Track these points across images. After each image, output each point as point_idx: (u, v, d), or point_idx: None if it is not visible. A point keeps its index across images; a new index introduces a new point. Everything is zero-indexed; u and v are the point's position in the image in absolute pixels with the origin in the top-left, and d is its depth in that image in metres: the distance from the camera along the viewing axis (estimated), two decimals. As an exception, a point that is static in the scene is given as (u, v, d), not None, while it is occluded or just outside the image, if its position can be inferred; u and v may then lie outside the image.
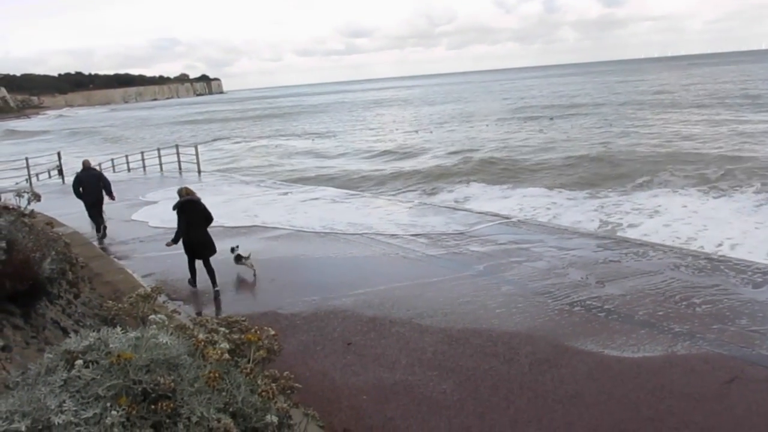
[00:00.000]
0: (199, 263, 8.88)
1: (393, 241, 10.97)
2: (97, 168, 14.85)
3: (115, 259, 10.55)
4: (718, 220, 16.63)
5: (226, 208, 15.18)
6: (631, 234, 14.64)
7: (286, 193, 17.32)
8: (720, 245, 13.99)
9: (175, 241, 8.84)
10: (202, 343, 2.38)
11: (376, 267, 9.63)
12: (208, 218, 8.93)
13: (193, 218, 8.74)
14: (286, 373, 2.52)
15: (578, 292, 7.71)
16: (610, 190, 22.26)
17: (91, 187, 12.82)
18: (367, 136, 50.88)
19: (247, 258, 9.49)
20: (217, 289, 8.77)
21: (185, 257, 8.92)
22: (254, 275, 9.38)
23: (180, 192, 8.94)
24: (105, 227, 12.94)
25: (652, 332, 6.36)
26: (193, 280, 8.98)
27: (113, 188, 13.18)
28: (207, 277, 8.76)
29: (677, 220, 16.93)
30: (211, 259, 8.89)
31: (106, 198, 12.93)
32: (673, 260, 8.81)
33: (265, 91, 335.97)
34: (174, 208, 8.82)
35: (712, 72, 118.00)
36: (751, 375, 5.37)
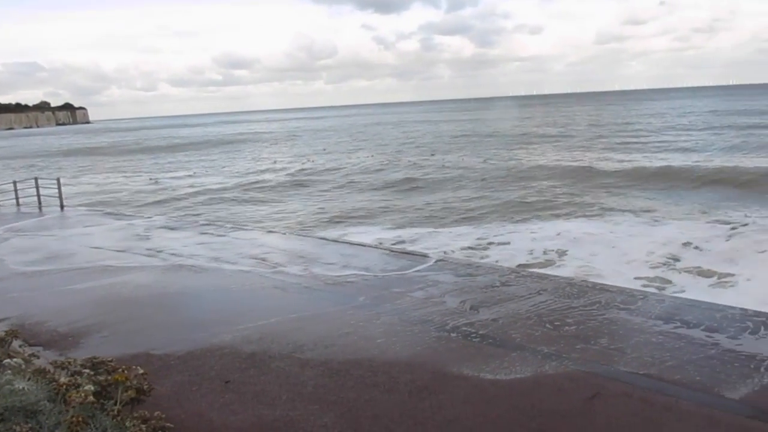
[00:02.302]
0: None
1: (273, 275, 10.82)
2: None
3: (-36, 303, 9.61)
4: (586, 242, 17.89)
5: (89, 242, 14.33)
6: (502, 258, 15.41)
7: (162, 227, 16.62)
8: (584, 268, 15.08)
9: None
10: (64, 386, 2.22)
11: (255, 302, 9.44)
12: None
13: None
14: (157, 413, 2.41)
15: (455, 319, 7.96)
16: (480, 216, 23.40)
17: None
18: (252, 166, 50.19)
19: None
20: None
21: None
22: None
23: None
24: None
25: (523, 354, 6.69)
26: None
27: None
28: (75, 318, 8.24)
29: (547, 243, 18.03)
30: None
31: None
32: (541, 285, 9.34)
33: (137, 122, 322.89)
34: None
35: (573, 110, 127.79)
36: (611, 390, 5.78)
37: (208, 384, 6.35)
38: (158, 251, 13.28)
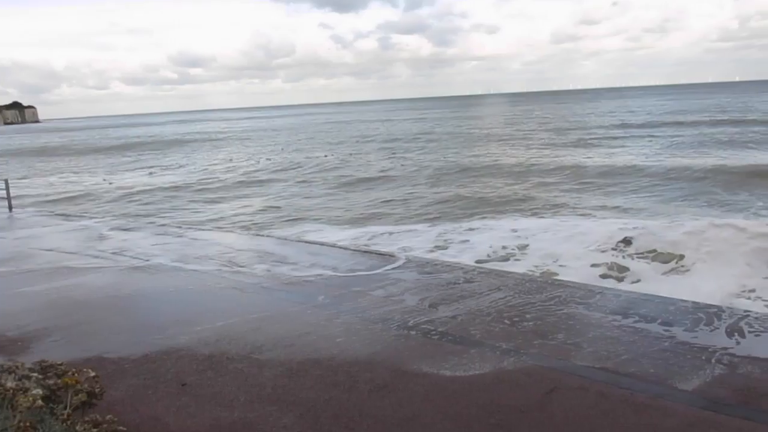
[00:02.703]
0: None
1: (232, 275, 10.68)
2: None
3: None
4: (543, 237, 18.24)
5: (40, 244, 13.91)
6: (462, 255, 15.56)
7: (117, 228, 16.23)
8: (544, 259, 15.43)
9: None
10: (11, 391, 2.13)
11: (213, 303, 9.29)
12: None
13: None
14: (109, 417, 2.34)
15: (414, 317, 7.98)
16: (439, 213, 23.58)
17: None
18: (209, 165, 49.50)
19: None
20: None
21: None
22: None
23: None
24: None
25: (482, 351, 6.74)
26: None
27: None
28: (25, 322, 8.01)
29: (507, 238, 18.32)
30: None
31: None
32: (501, 281, 9.44)
33: (89, 121, 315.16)
34: None
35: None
36: (567, 384, 5.87)
37: (164, 387, 6.22)
38: (113, 252, 12.97)
